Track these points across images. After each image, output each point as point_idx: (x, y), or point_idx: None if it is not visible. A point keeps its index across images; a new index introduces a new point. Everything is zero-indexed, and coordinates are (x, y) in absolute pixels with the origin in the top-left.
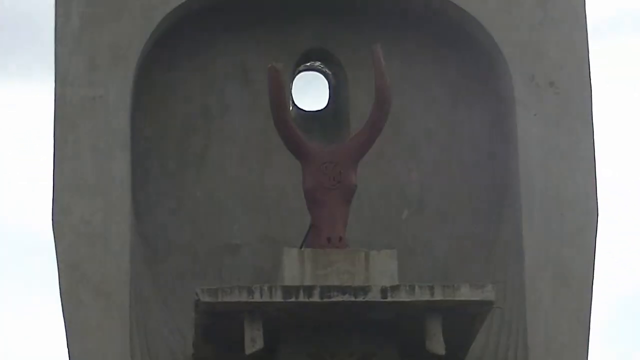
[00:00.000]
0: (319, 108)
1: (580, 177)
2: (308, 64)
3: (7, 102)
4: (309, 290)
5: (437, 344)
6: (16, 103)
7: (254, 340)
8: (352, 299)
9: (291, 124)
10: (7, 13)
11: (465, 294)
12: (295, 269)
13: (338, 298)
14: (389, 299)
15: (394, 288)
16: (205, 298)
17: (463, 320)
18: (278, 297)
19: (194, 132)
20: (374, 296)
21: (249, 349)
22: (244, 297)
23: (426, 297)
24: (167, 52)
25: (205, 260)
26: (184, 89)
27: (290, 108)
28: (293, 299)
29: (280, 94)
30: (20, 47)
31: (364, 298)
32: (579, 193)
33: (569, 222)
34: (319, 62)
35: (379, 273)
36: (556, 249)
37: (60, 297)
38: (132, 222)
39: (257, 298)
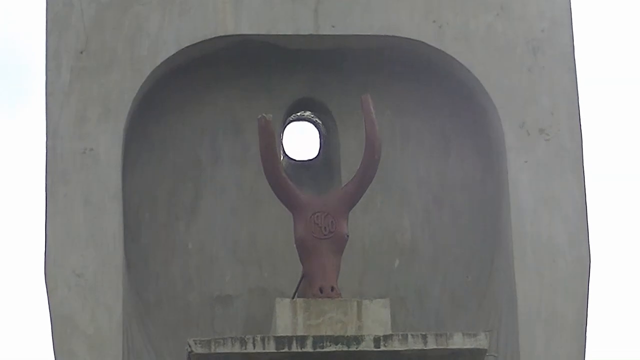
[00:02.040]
0: (310, 157)
1: (571, 223)
2: (298, 113)
3: None
4: (302, 340)
5: None
6: (8, 154)
7: None
8: (345, 348)
9: (282, 174)
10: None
11: (458, 342)
12: (288, 319)
13: (331, 348)
14: (382, 348)
15: (387, 337)
16: (198, 349)
17: None
18: (271, 348)
19: (185, 183)
20: (367, 346)
21: None
22: (237, 348)
23: (419, 346)
24: (157, 104)
25: (198, 311)
26: (175, 140)
27: (281, 158)
28: (286, 350)
29: (271, 144)
30: (12, 99)
31: (357, 347)
32: (570, 239)
33: (561, 268)
34: (309, 112)
35: (372, 322)
36: (549, 295)
37: (53, 349)
38: (124, 273)
39: (250, 349)
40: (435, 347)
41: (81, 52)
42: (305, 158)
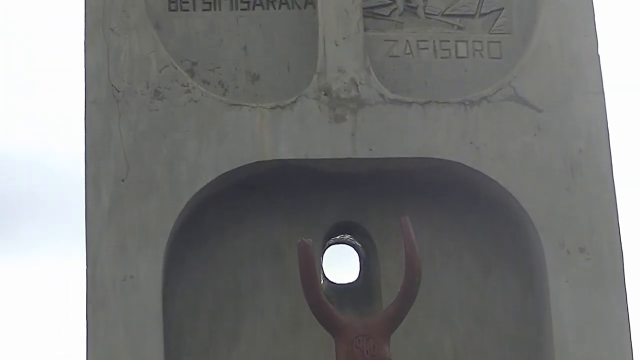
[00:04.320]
0: (350, 281)
1: (614, 342)
2: (337, 237)
3: (44, 281)
4: None
5: None
6: (52, 281)
7: None
8: None
9: (322, 298)
10: (41, 196)
11: None
12: None
13: None
14: None
15: None
16: None
17: None
18: None
19: (226, 308)
20: None
21: None
22: None
23: None
24: (196, 229)
25: None
26: (215, 265)
27: (321, 282)
28: None
29: (311, 268)
30: (56, 228)
31: None
32: (614, 358)
33: None
34: (349, 235)
35: None
36: None
37: None
38: None
39: None
40: None
41: (122, 180)
42: (346, 281)
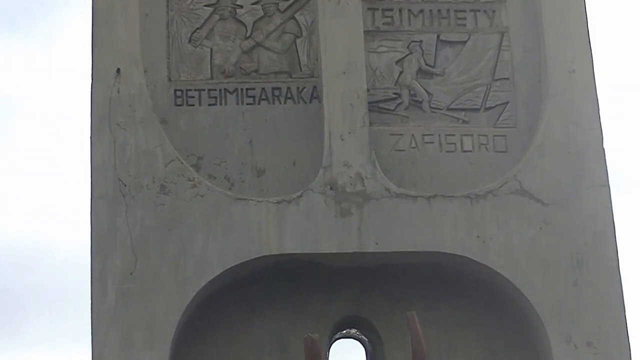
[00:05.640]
0: None
1: None
2: (344, 331)
3: None
4: None
5: None
6: None
7: None
8: None
9: None
10: (47, 291)
11: None
12: None
13: None
14: None
15: None
16: None
17: None
18: None
19: None
20: None
21: None
22: None
23: None
24: (203, 323)
25: None
26: (221, 359)
27: None
28: None
29: None
30: (62, 322)
31: None
32: None
33: None
34: (355, 329)
35: None
36: None
37: None
38: None
39: None
40: None
41: (131, 274)
42: None
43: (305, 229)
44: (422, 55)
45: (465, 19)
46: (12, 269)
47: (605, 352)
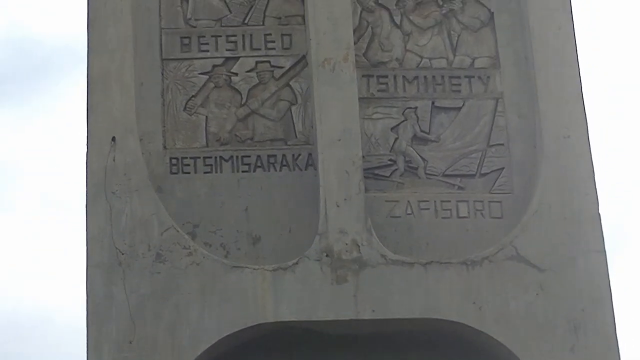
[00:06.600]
0: None
1: None
2: None
3: None
4: None
5: None
6: None
7: None
8: None
9: None
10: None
11: None
12: None
13: None
14: None
15: None
16: None
17: None
18: None
19: None
20: None
21: None
22: None
23: None
24: None
25: None
26: None
27: None
28: None
29: None
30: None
31: None
32: None
33: None
34: None
35: None
36: None
37: None
38: None
39: None
40: None
41: (130, 342)
42: None
43: (302, 297)
44: (417, 121)
45: (460, 85)
46: (15, 338)
47: None
